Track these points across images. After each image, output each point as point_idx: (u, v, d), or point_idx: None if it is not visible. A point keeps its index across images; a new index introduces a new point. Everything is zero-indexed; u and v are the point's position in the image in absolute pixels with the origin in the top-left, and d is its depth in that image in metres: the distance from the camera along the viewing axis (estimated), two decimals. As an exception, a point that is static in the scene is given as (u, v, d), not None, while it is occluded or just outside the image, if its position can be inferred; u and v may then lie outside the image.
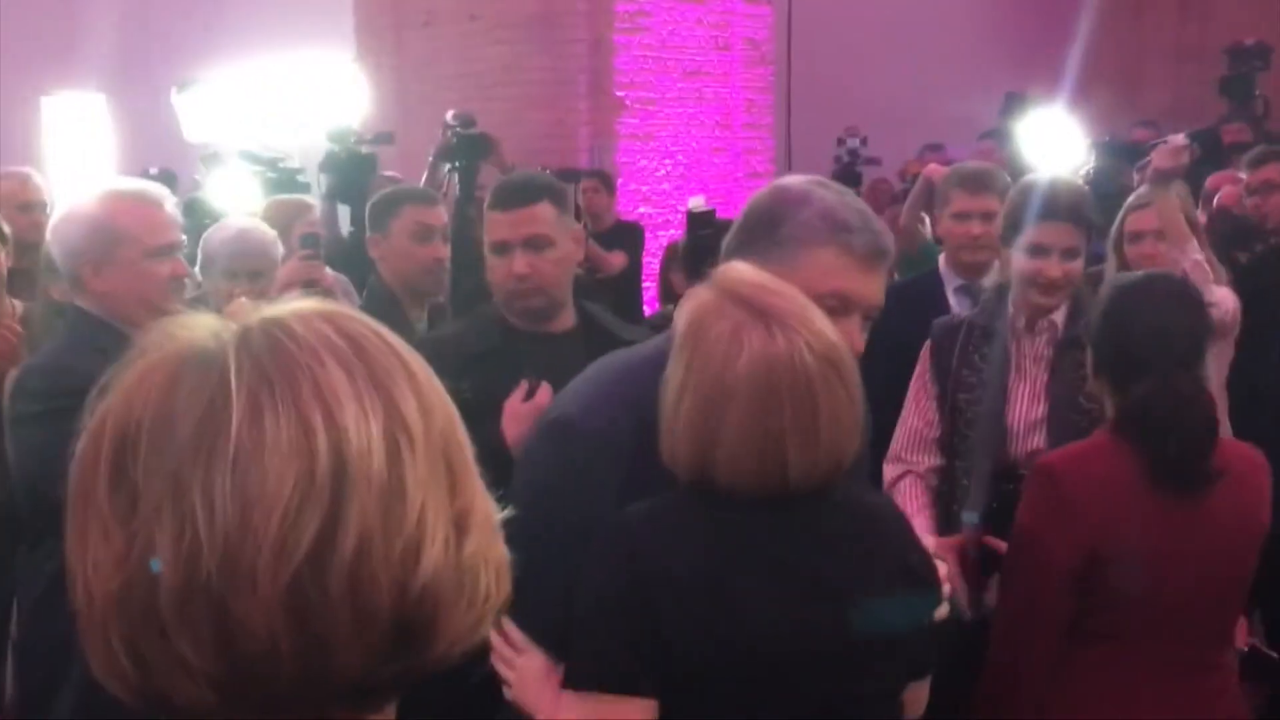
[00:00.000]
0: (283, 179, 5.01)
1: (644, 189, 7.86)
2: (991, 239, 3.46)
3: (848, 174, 8.58)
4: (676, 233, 8.08)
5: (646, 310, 6.26)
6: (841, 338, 1.67)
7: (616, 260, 6.05)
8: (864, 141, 8.75)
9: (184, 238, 2.83)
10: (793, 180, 1.96)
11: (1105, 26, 9.81)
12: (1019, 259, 2.86)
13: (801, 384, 1.58)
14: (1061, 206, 2.82)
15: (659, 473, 1.65)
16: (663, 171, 7.96)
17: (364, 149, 5.44)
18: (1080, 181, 3.76)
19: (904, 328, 3.47)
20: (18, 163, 6.15)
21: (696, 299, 1.66)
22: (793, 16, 9.33)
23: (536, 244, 2.64)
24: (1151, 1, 11.62)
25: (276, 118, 6.93)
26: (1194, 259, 3.21)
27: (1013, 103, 7.55)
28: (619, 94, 7.73)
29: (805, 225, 1.84)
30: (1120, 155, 5.62)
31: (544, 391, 2.42)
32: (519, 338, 2.67)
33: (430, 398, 0.81)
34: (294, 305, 0.82)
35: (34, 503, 2.43)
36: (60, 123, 8.31)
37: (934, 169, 5.58)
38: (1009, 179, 3.71)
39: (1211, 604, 2.26)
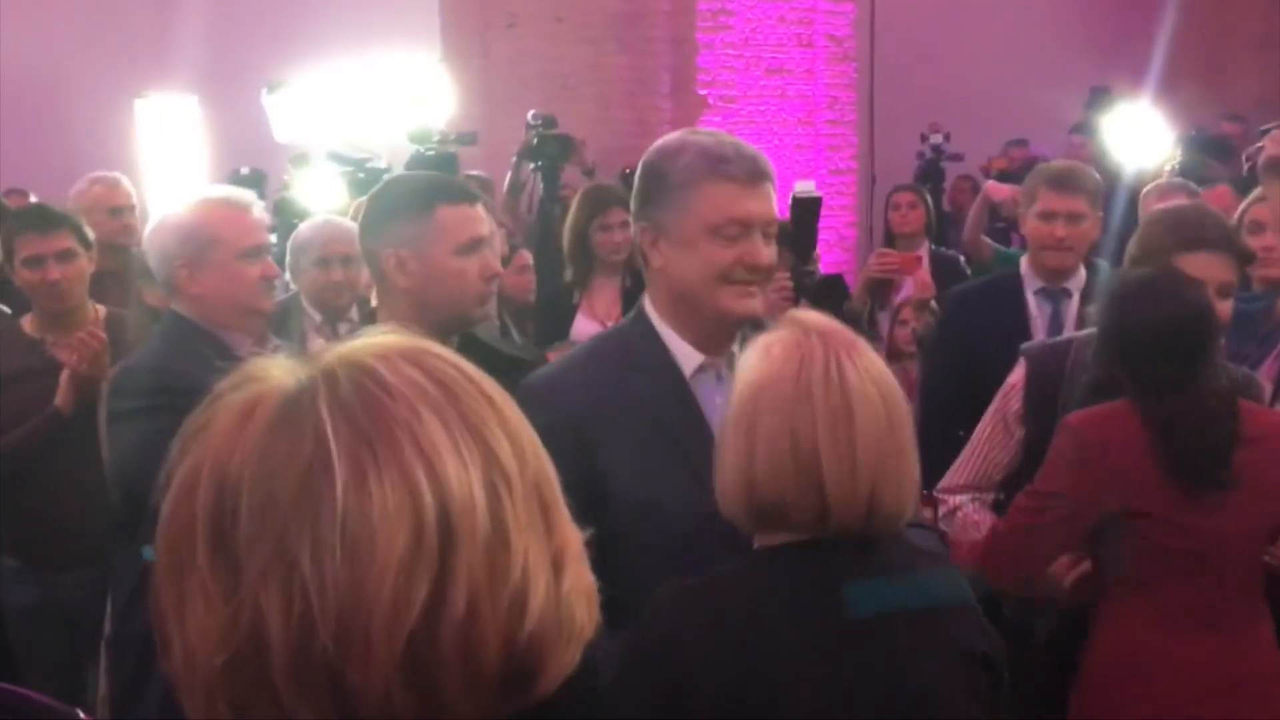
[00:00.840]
0: (370, 179, 5.05)
1: (727, 187, 7.83)
2: (1077, 241, 3.39)
3: (931, 170, 8.47)
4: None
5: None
6: (730, 256, 1.90)
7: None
8: (947, 138, 8.61)
9: (273, 239, 2.89)
10: (668, 135, 2.13)
11: (1189, 18, 9.62)
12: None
13: (836, 394, 1.59)
14: (1210, 233, 2.59)
15: None
16: (745, 169, 7.93)
17: (449, 149, 5.48)
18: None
19: (979, 326, 3.41)
20: (113, 164, 6.30)
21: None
22: (875, 12, 9.25)
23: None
24: (1236, -10, 11.35)
25: (364, 118, 7.03)
26: None
27: (1098, 97, 7.42)
28: (701, 92, 7.73)
29: (687, 169, 2.00)
30: (1208, 149, 5.52)
31: None
32: None
33: (521, 437, 0.79)
34: (375, 344, 0.80)
35: (130, 500, 2.48)
36: (154, 124, 8.49)
37: (992, 187, 5.49)
38: (1099, 178, 3.62)
39: (1237, 557, 2.30)
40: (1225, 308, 2.51)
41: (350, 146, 5.37)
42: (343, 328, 3.69)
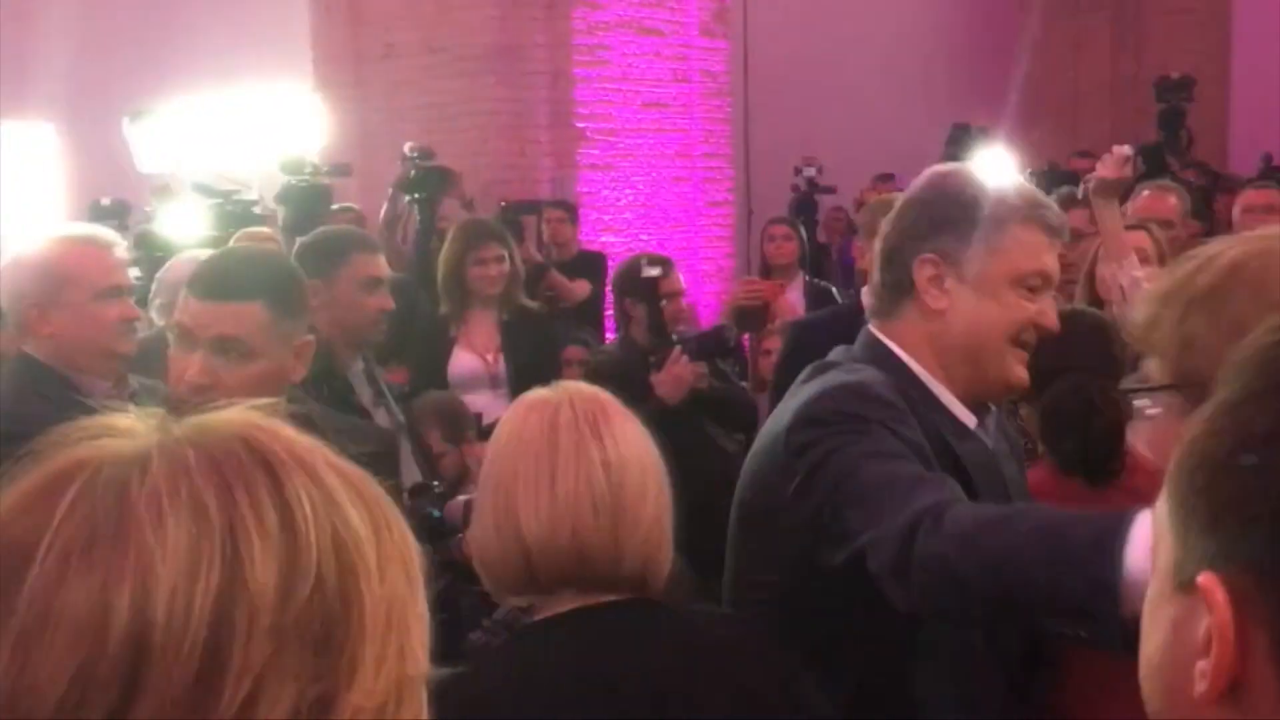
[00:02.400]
0: (239, 211, 4.93)
1: (606, 218, 7.83)
2: None
3: (805, 203, 8.62)
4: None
5: (607, 338, 6.23)
6: (1030, 313, 1.67)
7: (580, 289, 6.04)
8: (820, 171, 8.80)
9: (135, 280, 2.77)
10: (955, 165, 1.88)
11: (1045, 60, 10.00)
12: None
13: (547, 433, 1.52)
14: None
15: None
16: (624, 201, 7.94)
17: (322, 180, 5.37)
18: None
19: (821, 356, 3.43)
20: (-34, 194, 6.03)
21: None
22: (749, 49, 9.39)
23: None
24: (1088, 36, 11.84)
25: (232, 149, 6.85)
26: (1132, 275, 3.07)
27: (959, 133, 7.64)
28: (579, 125, 7.72)
29: (1004, 204, 1.74)
30: (1057, 182, 5.78)
31: None
32: None
33: (295, 570, 0.66)
34: (196, 422, 0.70)
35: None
36: (9, 153, 8.17)
37: None
38: None
39: None
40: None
41: (218, 178, 5.22)
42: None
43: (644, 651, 1.50)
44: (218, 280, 2.13)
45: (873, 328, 1.84)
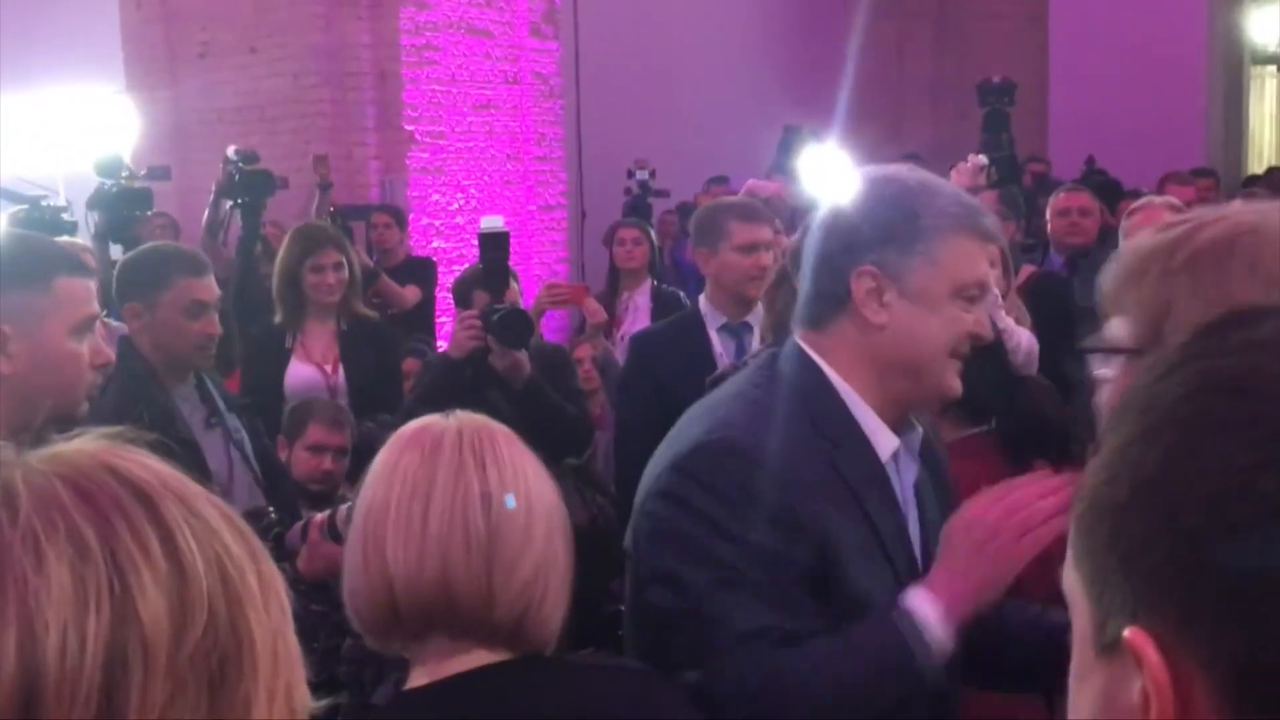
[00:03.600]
0: (47, 218, 4.65)
1: (436, 223, 7.68)
2: (771, 270, 3.35)
3: (639, 206, 8.60)
4: (471, 266, 7.92)
5: (440, 346, 6.09)
6: (968, 324, 1.60)
7: (410, 295, 5.89)
8: (653, 174, 8.79)
9: None
10: (896, 168, 1.78)
11: (870, 68, 10.22)
12: None
13: (426, 462, 1.39)
14: None
15: None
16: (455, 205, 7.80)
17: (137, 184, 5.10)
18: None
19: (668, 365, 3.40)
20: None
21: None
22: (580, 51, 9.35)
23: None
24: (910, 41, 12.17)
25: (38, 152, 6.47)
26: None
27: (791, 136, 7.75)
28: (408, 127, 7.55)
29: (944, 214, 1.67)
30: None
31: None
32: None
33: (191, 600, 0.63)
34: (51, 455, 0.65)
35: None
36: None
37: (754, 184, 5.62)
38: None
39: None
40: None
41: (21, 182, 4.92)
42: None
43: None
44: None
45: (799, 339, 1.75)
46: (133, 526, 0.63)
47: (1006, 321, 3.08)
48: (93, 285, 2.05)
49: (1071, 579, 0.66)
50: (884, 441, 1.71)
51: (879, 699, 1.60)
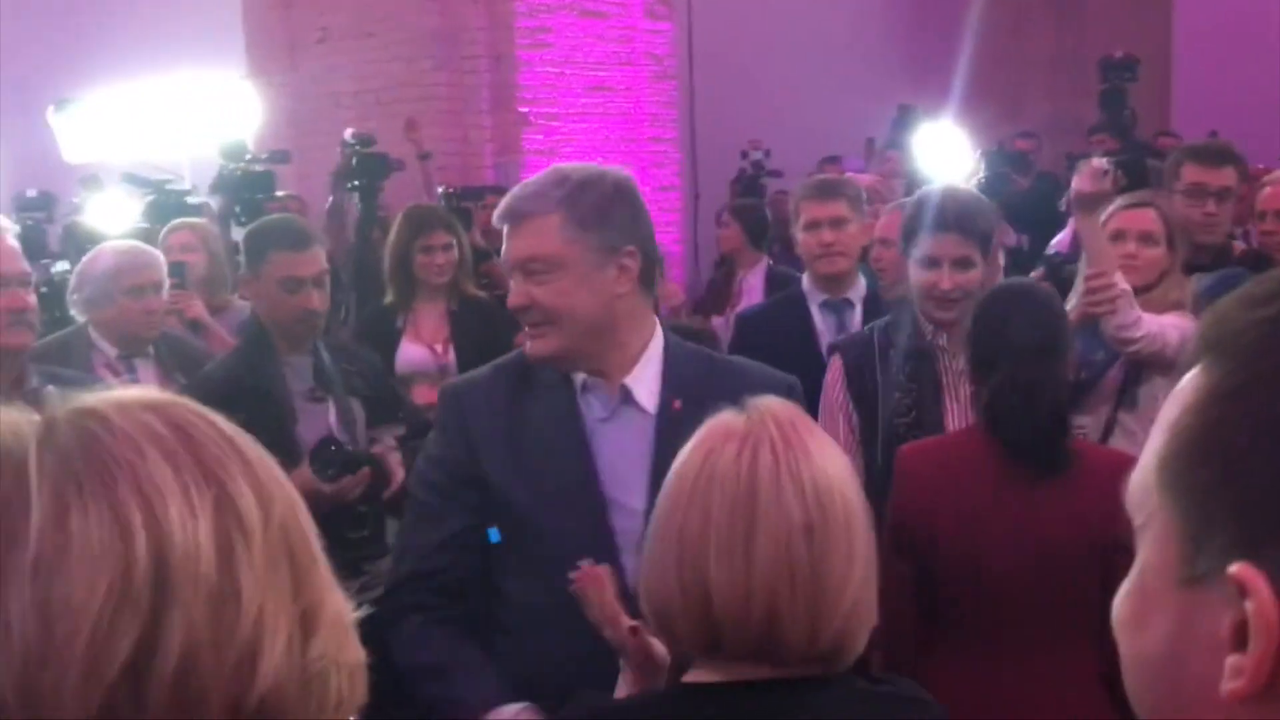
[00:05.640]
0: (171, 201, 4.75)
1: (550, 205, 7.70)
2: (845, 245, 3.47)
3: (752, 186, 8.54)
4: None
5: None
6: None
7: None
8: (767, 154, 8.72)
9: (26, 269, 2.65)
10: None
11: (988, 41, 9.98)
12: (914, 271, 2.80)
13: (745, 479, 1.32)
14: (950, 217, 2.74)
15: None
16: (569, 187, 7.81)
17: (259, 167, 5.19)
18: (974, 190, 3.64)
19: (769, 345, 3.36)
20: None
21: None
22: (693, 31, 9.29)
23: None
24: (1029, 16, 11.86)
25: (163, 137, 6.64)
26: (1122, 288, 2.91)
27: (905, 115, 7.61)
28: (523, 109, 7.58)
29: None
30: (1007, 163, 5.84)
31: None
32: None
33: (270, 488, 0.73)
34: (114, 395, 0.73)
35: None
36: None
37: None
38: (859, 186, 3.73)
39: (1045, 596, 2.31)
40: (967, 279, 2.72)
41: (148, 168, 5.04)
42: (140, 362, 3.39)
43: None
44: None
45: None
46: (212, 438, 0.72)
47: (1128, 317, 2.88)
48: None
49: (1153, 509, 0.65)
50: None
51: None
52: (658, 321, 2.04)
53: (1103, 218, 3.05)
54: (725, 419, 1.39)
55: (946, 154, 5.83)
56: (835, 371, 2.88)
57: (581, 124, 7.86)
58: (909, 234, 2.82)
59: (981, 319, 2.45)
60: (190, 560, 0.67)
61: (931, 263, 2.74)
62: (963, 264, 2.73)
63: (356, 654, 0.75)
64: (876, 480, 2.61)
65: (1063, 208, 4.23)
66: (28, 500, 0.66)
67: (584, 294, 1.91)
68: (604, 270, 1.92)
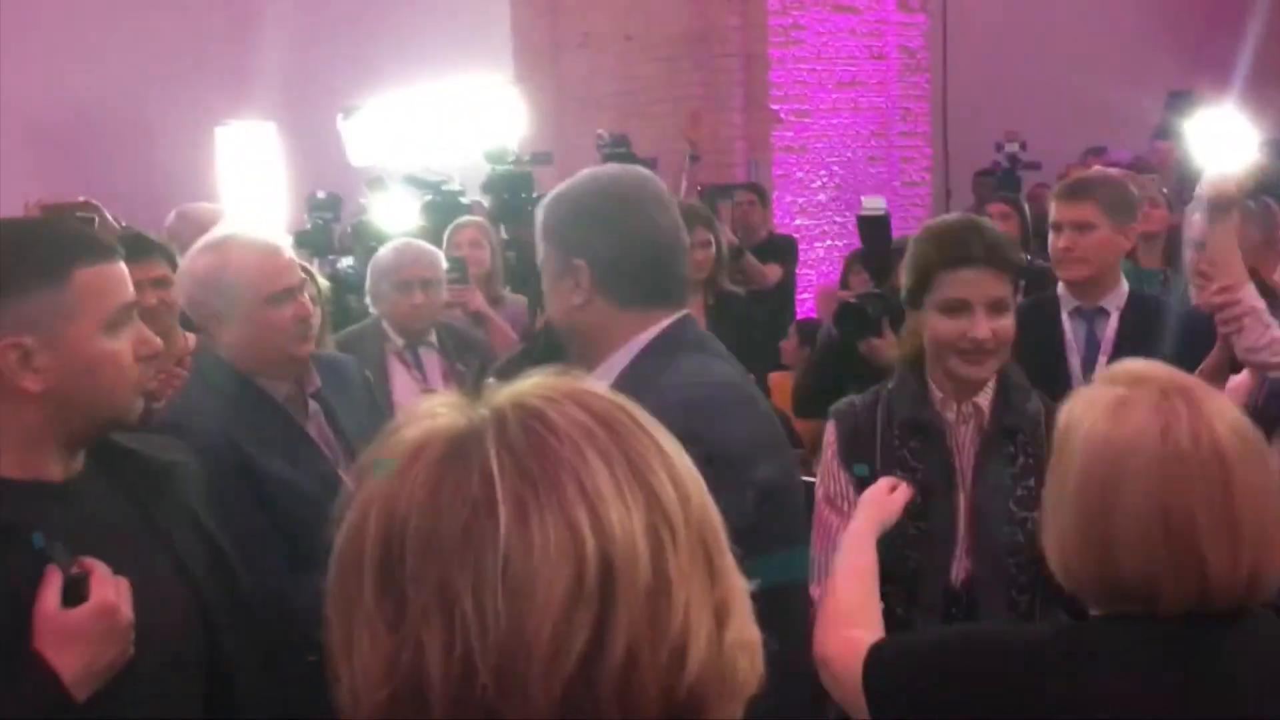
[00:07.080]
0: (447, 202, 5.10)
1: (800, 201, 7.80)
2: (1089, 252, 3.16)
3: (1008, 180, 8.35)
4: (833, 244, 8.00)
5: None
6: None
7: (772, 273, 6.00)
8: (1023, 146, 8.50)
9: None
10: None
11: (1273, 21, 9.39)
12: (933, 321, 2.27)
13: (1211, 461, 1.40)
14: (978, 250, 2.25)
15: None
16: (818, 183, 7.90)
17: (522, 169, 5.51)
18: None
19: (1018, 347, 3.25)
20: (195, 191, 6.39)
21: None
22: (947, 23, 9.16)
23: None
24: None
25: (437, 141, 7.09)
26: (1250, 305, 2.67)
27: (1178, 101, 7.28)
28: (774, 107, 7.70)
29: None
30: None
31: None
32: None
33: (685, 480, 0.77)
34: (542, 385, 0.79)
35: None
36: (234, 151, 8.64)
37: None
38: (1124, 187, 3.40)
39: None
40: (1003, 325, 2.25)
41: (425, 170, 5.41)
42: (423, 351, 3.71)
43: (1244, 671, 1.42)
44: None
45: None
46: (635, 434, 0.77)
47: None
48: (121, 269, 1.64)
49: None
50: None
51: None
52: (651, 337, 1.95)
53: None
54: (1135, 394, 1.45)
55: (1225, 144, 5.51)
56: (830, 443, 2.38)
57: (832, 120, 7.92)
58: (922, 273, 2.29)
59: None
60: (630, 561, 0.72)
61: (957, 306, 2.24)
62: (998, 307, 2.24)
63: (754, 634, 0.79)
64: None
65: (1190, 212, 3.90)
66: (494, 502, 0.72)
67: (553, 303, 1.99)
68: (562, 281, 1.94)
